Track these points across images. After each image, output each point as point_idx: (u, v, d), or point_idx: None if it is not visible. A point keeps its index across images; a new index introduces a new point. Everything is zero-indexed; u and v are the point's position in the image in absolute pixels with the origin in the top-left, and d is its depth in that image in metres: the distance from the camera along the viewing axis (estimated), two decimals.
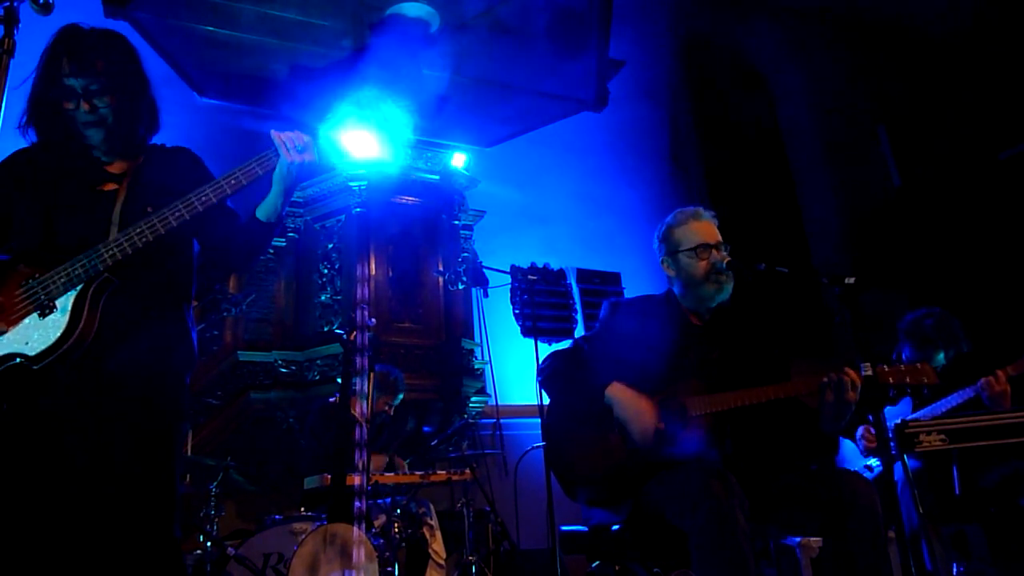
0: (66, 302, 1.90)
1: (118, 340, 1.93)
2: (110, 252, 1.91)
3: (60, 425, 1.87)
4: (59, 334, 1.87)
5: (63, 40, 2.03)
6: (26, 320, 1.88)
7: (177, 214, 1.95)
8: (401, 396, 4.46)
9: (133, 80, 2.09)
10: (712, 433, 2.40)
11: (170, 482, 1.98)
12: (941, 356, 3.83)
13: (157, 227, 1.94)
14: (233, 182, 2.00)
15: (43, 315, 1.88)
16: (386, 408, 4.39)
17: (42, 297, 1.89)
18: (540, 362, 2.74)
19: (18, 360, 1.85)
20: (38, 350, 1.86)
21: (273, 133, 2.03)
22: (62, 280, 1.90)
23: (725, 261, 2.53)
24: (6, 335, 1.86)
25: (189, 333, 2.11)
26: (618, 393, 2.42)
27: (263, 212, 2.12)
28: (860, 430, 3.80)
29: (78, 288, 1.90)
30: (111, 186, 2.07)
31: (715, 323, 2.64)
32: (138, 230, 1.93)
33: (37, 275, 1.90)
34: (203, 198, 1.97)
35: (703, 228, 2.63)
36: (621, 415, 2.40)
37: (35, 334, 1.87)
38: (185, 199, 1.97)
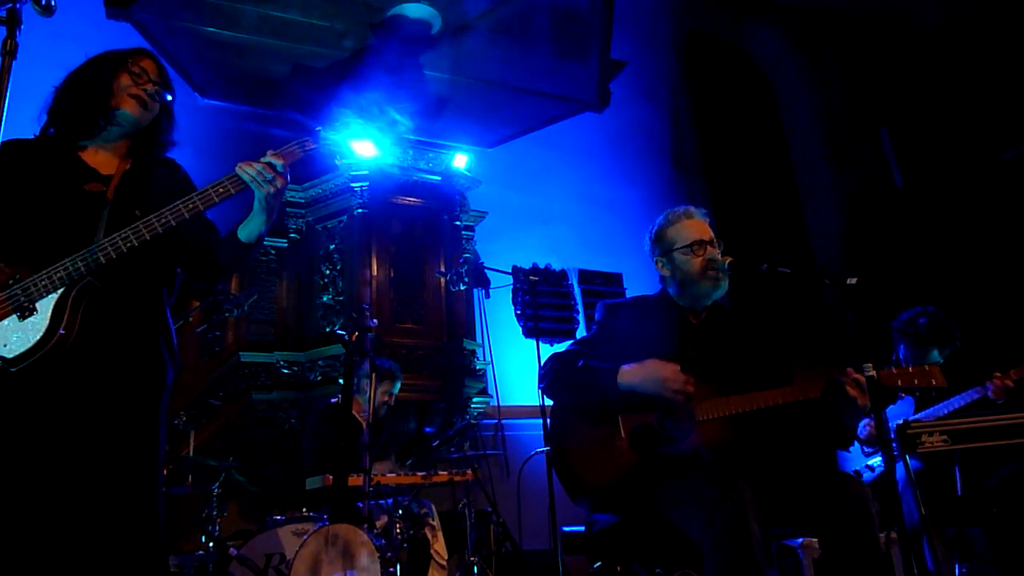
0: (47, 305, 1.87)
1: (98, 344, 1.91)
2: (93, 256, 1.89)
3: (38, 428, 1.85)
4: (38, 337, 1.84)
5: (143, 50, 2.22)
6: (4, 322, 1.85)
7: (163, 220, 1.94)
8: (399, 384, 4.47)
9: (172, 112, 2.26)
10: (720, 436, 2.38)
11: (152, 483, 1.96)
12: (936, 354, 3.83)
13: (142, 232, 1.93)
14: (221, 191, 1.99)
15: (23, 317, 1.86)
16: (386, 398, 4.40)
17: (22, 299, 1.86)
18: (540, 367, 2.70)
19: None
20: (16, 352, 1.83)
21: (239, 169, 1.99)
22: (44, 282, 1.87)
23: (727, 261, 2.51)
24: None
25: (170, 336, 2.10)
26: (632, 372, 2.38)
27: (244, 233, 2.11)
28: (863, 421, 3.79)
29: (59, 291, 1.88)
30: (97, 187, 2.05)
31: (713, 321, 2.63)
32: (123, 235, 1.92)
33: (18, 276, 1.88)
34: (190, 205, 1.96)
35: (696, 225, 2.61)
36: (648, 389, 2.35)
37: (13, 336, 1.85)
38: (172, 206, 1.96)
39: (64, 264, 1.89)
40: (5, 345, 1.84)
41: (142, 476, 1.94)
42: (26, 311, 1.86)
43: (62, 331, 1.85)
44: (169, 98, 2.18)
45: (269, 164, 1.99)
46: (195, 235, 2.10)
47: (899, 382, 2.31)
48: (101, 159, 2.11)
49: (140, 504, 1.91)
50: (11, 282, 1.88)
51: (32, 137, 2.11)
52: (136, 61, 2.14)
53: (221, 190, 1.99)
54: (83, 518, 1.84)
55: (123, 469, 1.90)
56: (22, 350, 1.84)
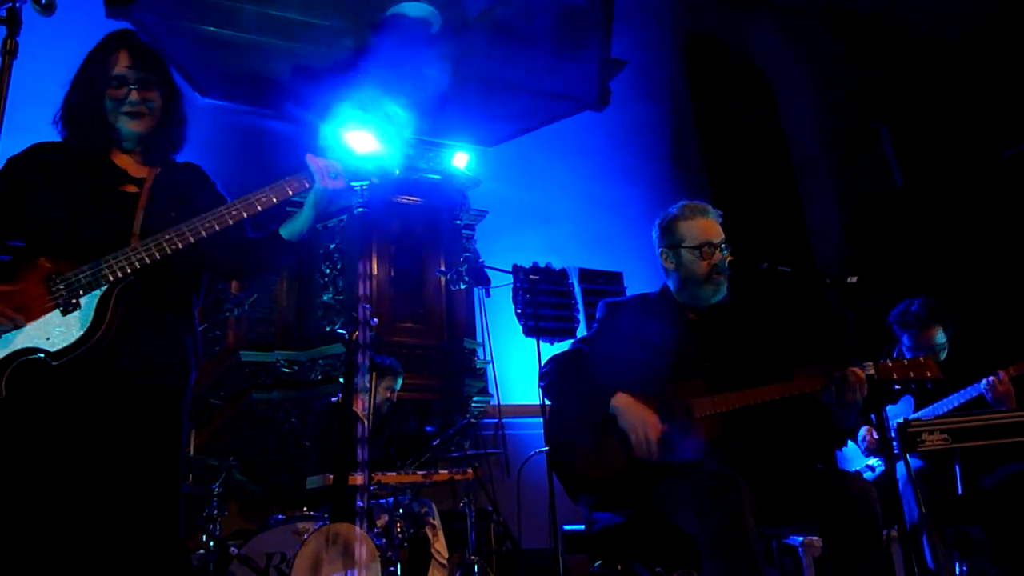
0: (91, 301, 1.90)
1: (129, 340, 1.94)
2: (139, 256, 1.93)
3: (70, 422, 1.87)
4: (82, 333, 1.87)
5: (122, 37, 2.12)
6: (47, 316, 1.88)
7: (207, 226, 1.98)
8: (400, 379, 4.47)
9: (178, 93, 2.20)
10: (717, 433, 2.39)
11: (175, 480, 2.00)
12: (941, 333, 3.83)
13: (187, 236, 1.96)
14: (264, 200, 2.03)
15: (65, 312, 1.88)
16: (388, 394, 4.41)
17: (65, 294, 1.89)
18: (541, 367, 2.71)
19: (39, 355, 1.85)
20: (59, 347, 1.86)
21: (309, 158, 2.06)
22: (87, 279, 1.90)
23: (727, 261, 2.51)
24: (26, 329, 1.86)
25: (195, 335, 2.14)
26: (623, 403, 2.38)
27: (287, 231, 2.16)
28: (863, 431, 3.80)
29: (103, 288, 1.91)
30: (132, 188, 2.09)
31: (713, 319, 2.62)
32: (167, 237, 1.95)
33: (61, 271, 1.90)
34: (233, 213, 2.01)
35: (708, 226, 2.59)
36: (624, 427, 2.35)
37: (56, 331, 1.87)
38: (215, 212, 2.00)
39: (109, 262, 1.91)
40: (48, 339, 1.86)
41: (165, 475, 1.97)
42: (70, 307, 1.89)
43: (105, 328, 1.88)
44: (156, 103, 2.11)
45: (337, 162, 2.06)
46: (224, 236, 2.11)
47: (895, 375, 2.31)
48: (129, 161, 2.15)
49: (161, 502, 1.94)
50: (54, 277, 1.90)
51: (60, 140, 2.13)
52: (114, 64, 2.06)
53: (264, 199, 2.04)
54: (106, 514, 1.86)
55: (147, 468, 1.93)
56: (65, 344, 1.86)
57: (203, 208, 2.03)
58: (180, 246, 1.96)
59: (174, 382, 2.04)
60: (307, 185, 2.07)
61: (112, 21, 4.53)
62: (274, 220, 2.21)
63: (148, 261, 1.93)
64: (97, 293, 1.91)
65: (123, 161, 2.13)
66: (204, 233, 1.98)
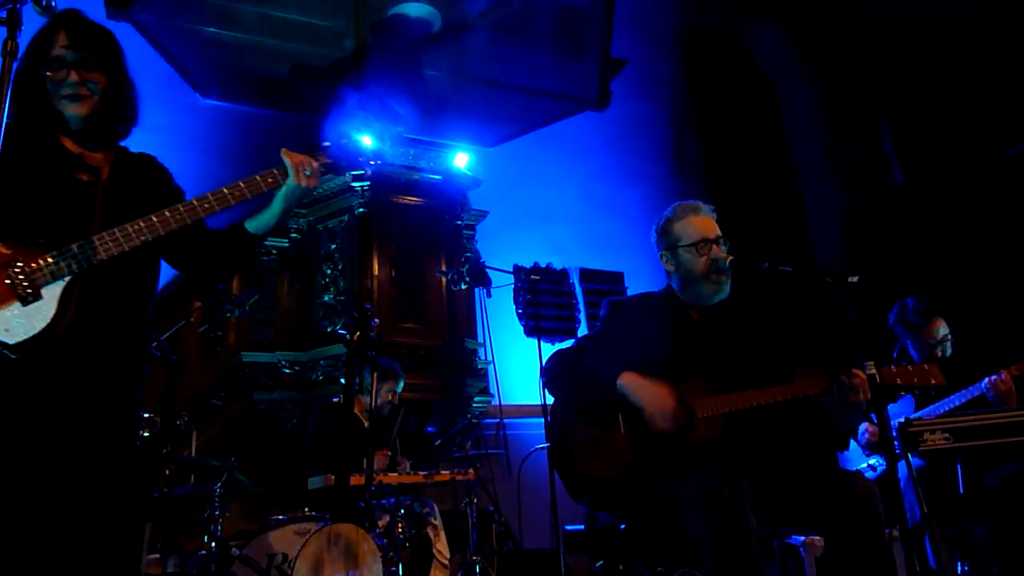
0: (54, 292, 1.82)
1: (84, 324, 1.87)
2: (105, 247, 1.86)
3: (23, 409, 1.80)
4: (45, 324, 1.79)
5: (63, 17, 2.02)
6: (7, 307, 1.78)
7: (177, 218, 1.92)
8: (402, 382, 4.47)
9: (124, 74, 2.09)
10: (719, 433, 2.38)
11: (126, 475, 1.93)
12: (944, 325, 3.82)
13: (157, 228, 1.90)
14: (237, 194, 1.97)
15: (26, 303, 1.79)
16: (390, 397, 4.41)
17: (27, 285, 1.80)
18: (544, 362, 2.70)
19: None
20: (20, 339, 1.77)
21: (284, 153, 2.01)
22: (50, 269, 1.82)
23: (728, 260, 2.51)
24: None
25: (148, 326, 2.08)
26: (631, 380, 2.36)
27: (254, 225, 2.11)
28: (863, 426, 3.80)
29: (66, 279, 1.84)
30: (87, 177, 2.01)
31: (716, 319, 2.62)
32: (136, 227, 1.88)
33: (19, 260, 1.81)
34: (206, 206, 1.95)
35: (702, 223, 2.59)
36: (638, 401, 2.34)
37: (16, 322, 1.78)
38: (187, 203, 1.94)
39: (73, 252, 1.84)
40: (7, 330, 1.78)
41: (116, 464, 1.91)
42: (30, 298, 1.80)
43: (67, 319, 1.81)
44: (99, 85, 2.02)
45: (311, 158, 2.02)
46: (185, 231, 2.04)
47: (899, 380, 2.30)
48: (81, 146, 2.06)
49: (112, 498, 1.88)
50: (13, 265, 1.81)
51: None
52: (52, 46, 1.97)
53: (238, 192, 1.97)
54: (56, 509, 1.81)
55: (99, 462, 1.87)
56: (26, 337, 1.78)
57: (160, 200, 1.96)
58: (149, 237, 1.89)
59: (128, 364, 1.98)
60: (281, 181, 2.01)
61: (111, 21, 4.54)
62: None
63: (116, 252, 1.87)
64: (61, 283, 1.83)
65: (74, 147, 2.04)
66: (175, 225, 1.91)
